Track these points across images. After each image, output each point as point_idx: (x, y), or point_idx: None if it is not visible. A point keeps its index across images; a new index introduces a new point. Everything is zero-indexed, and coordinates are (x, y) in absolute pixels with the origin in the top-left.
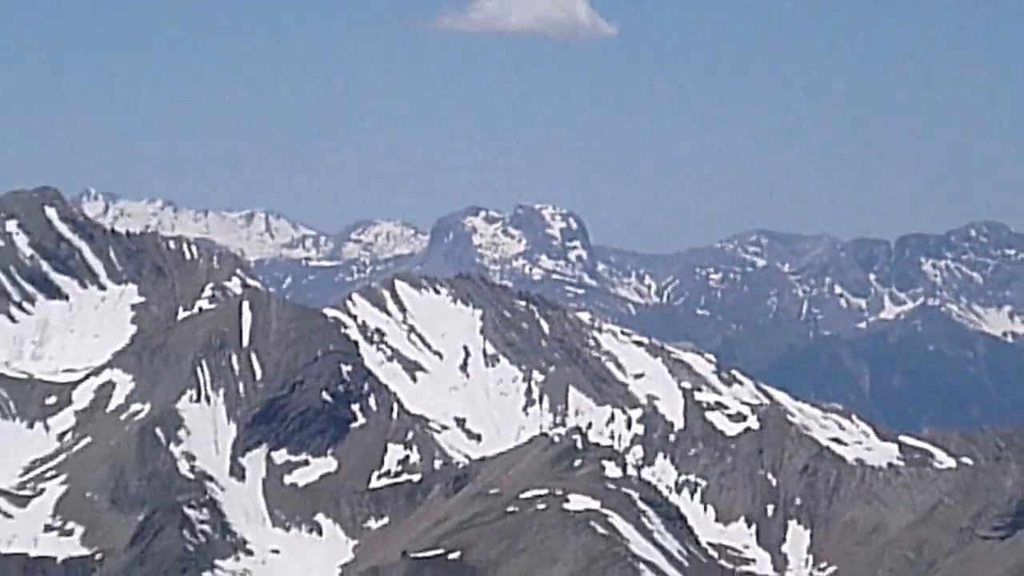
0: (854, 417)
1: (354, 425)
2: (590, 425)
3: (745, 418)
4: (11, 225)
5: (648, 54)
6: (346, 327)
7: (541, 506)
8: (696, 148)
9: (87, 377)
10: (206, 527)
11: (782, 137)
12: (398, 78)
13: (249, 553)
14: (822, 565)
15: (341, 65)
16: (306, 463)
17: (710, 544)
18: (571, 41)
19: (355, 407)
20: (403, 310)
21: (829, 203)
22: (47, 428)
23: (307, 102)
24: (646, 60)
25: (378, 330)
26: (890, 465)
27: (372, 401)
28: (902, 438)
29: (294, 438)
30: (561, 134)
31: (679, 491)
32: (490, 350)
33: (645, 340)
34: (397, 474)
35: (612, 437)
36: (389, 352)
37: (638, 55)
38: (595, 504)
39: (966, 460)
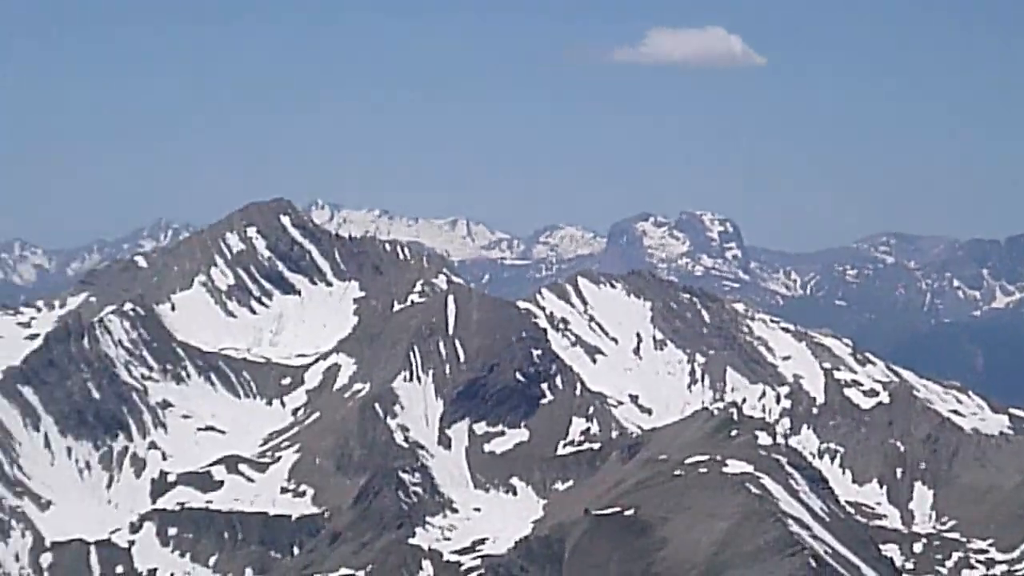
0: (970, 392)
1: (543, 401)
2: (744, 400)
3: (877, 394)
4: (251, 232)
5: (792, 81)
6: (536, 317)
7: (703, 470)
8: (834, 161)
9: (316, 361)
10: (418, 489)
11: (909, 151)
12: (581, 104)
13: (455, 511)
14: (943, 520)
15: (532, 95)
16: (502, 434)
17: (848, 502)
18: (727, 70)
19: (544, 386)
20: (584, 302)
21: (949, 208)
22: (283, 405)
23: (504, 125)
24: (790, 86)
25: (563, 319)
26: (1001, 433)
27: (559, 380)
28: (1012, 410)
29: (492, 412)
30: (719, 149)
31: (821, 457)
32: (659, 336)
33: (791, 327)
34: (580, 443)
35: (763, 411)
36: (573, 338)
37: (784, 82)
38: (749, 468)
39: None
